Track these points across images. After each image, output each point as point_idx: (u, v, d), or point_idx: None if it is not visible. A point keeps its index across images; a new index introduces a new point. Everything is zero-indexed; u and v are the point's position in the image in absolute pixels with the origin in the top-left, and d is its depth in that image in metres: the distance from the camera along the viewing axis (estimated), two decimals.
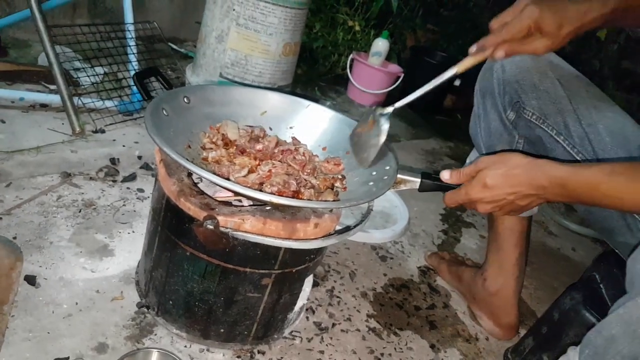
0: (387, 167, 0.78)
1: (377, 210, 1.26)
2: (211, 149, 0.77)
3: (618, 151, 0.74)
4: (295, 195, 0.71)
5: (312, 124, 0.92)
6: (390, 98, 2.07)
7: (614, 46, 2.19)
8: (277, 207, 0.67)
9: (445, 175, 0.73)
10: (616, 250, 0.80)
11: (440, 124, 2.09)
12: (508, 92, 0.83)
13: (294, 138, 0.88)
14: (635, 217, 0.73)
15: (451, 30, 2.30)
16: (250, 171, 0.73)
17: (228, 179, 0.68)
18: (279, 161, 0.77)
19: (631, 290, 0.52)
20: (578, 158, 0.77)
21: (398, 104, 0.74)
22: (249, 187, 0.63)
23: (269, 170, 0.72)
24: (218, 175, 0.65)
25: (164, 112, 0.74)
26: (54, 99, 1.23)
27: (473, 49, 0.71)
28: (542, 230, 1.46)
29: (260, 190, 0.68)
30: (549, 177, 0.61)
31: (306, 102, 0.93)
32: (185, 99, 0.80)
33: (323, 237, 0.69)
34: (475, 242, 1.30)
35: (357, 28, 2.00)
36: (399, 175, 0.75)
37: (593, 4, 0.66)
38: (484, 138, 0.90)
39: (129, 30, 1.37)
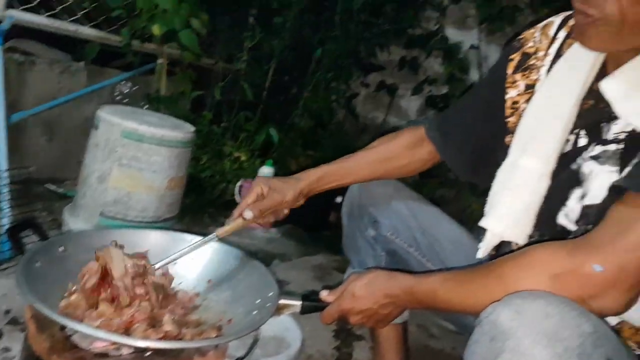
0: (270, 294, 0.82)
1: (269, 336, 1.26)
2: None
3: (459, 257, 0.89)
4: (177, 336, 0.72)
5: (196, 257, 0.95)
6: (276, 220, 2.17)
7: None
8: (158, 352, 0.67)
9: (324, 294, 0.80)
10: None
11: (327, 240, 2.22)
12: (366, 214, 0.98)
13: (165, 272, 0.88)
14: None
15: (329, 155, 2.55)
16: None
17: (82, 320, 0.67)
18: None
19: None
20: (428, 265, 0.91)
21: (159, 264, 0.86)
22: (123, 334, 0.63)
23: (132, 315, 0.71)
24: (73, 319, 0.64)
25: (38, 264, 0.73)
26: None
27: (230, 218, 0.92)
28: (425, 333, 1.56)
29: (128, 335, 0.67)
30: (401, 286, 0.72)
31: (191, 237, 0.97)
32: (61, 249, 0.80)
33: None
34: (367, 355, 1.34)
35: (243, 158, 2.14)
36: (280, 301, 0.80)
37: (289, 188, 0.94)
38: (355, 255, 1.02)
39: (2, 177, 1.34)
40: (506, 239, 0.76)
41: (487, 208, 0.78)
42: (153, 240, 0.94)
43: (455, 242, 0.93)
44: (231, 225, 0.90)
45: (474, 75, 2.63)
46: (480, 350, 0.57)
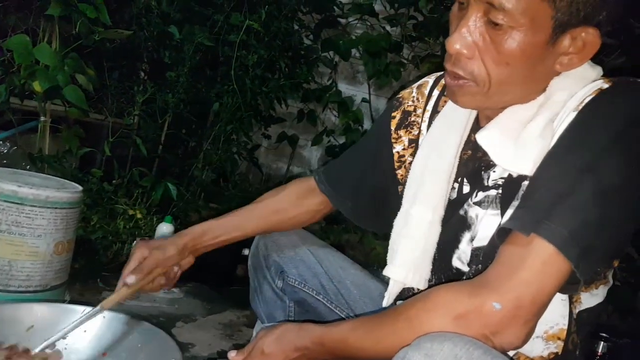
0: None
1: None
2: None
3: (365, 300, 0.92)
4: None
5: (88, 329, 0.88)
6: (180, 278, 2.06)
7: None
8: None
9: (232, 355, 0.77)
10: None
11: (235, 294, 2.15)
12: (273, 264, 0.98)
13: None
14: None
15: (233, 207, 2.52)
16: None
17: None
18: None
19: None
20: (336, 312, 0.93)
21: (42, 345, 0.81)
22: None
23: None
24: None
25: None
26: None
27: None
28: None
29: None
30: (310, 337, 0.72)
31: (80, 308, 0.90)
32: None
33: None
34: None
35: (139, 216, 2.03)
36: None
37: (170, 244, 0.90)
38: (263, 308, 1.01)
39: None
40: (408, 285, 0.80)
41: (389, 257, 0.82)
42: (39, 314, 0.86)
43: (360, 286, 0.96)
44: (116, 294, 0.84)
45: (367, 126, 2.82)
46: None
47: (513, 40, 0.64)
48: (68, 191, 1.43)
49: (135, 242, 2.00)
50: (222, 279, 2.25)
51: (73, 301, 1.60)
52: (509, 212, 0.67)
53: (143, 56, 2.15)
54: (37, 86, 1.65)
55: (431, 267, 0.78)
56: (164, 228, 2.04)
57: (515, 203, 0.67)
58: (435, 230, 0.78)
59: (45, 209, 1.36)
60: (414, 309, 0.65)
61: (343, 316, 0.94)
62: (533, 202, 0.64)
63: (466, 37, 0.66)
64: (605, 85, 0.67)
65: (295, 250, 0.98)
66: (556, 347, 0.71)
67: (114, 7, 1.89)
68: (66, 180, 1.57)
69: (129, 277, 0.84)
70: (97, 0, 1.68)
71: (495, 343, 0.60)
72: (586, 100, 0.66)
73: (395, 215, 0.84)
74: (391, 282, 0.81)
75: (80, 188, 1.51)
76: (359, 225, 1.02)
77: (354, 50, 2.63)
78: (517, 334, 0.61)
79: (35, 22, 1.79)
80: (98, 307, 0.83)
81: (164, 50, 2.11)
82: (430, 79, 0.90)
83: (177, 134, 2.37)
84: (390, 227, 0.85)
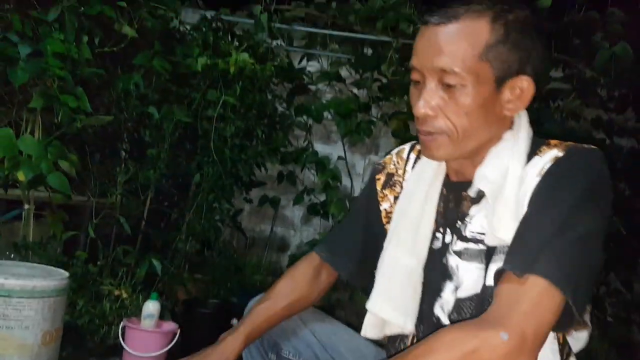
0: None
1: None
2: None
3: None
4: None
5: None
6: (170, 356, 2.02)
7: None
8: None
9: None
10: None
11: None
12: (265, 337, 1.00)
13: None
14: None
15: (218, 276, 2.52)
16: None
17: None
18: None
19: None
20: None
21: None
22: None
23: None
24: None
25: None
26: None
27: None
28: None
29: None
30: None
31: None
32: None
33: None
34: None
35: (125, 295, 2.02)
36: None
37: (228, 345, 0.95)
38: None
39: None
40: (386, 318, 0.86)
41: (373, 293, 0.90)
42: None
43: (354, 350, 1.00)
44: None
45: (345, 182, 2.90)
46: None
47: (466, 95, 0.79)
48: (55, 279, 1.43)
49: (122, 323, 1.96)
50: None
51: None
52: (493, 267, 0.76)
53: (124, 136, 2.22)
54: (21, 176, 1.68)
55: (416, 308, 0.85)
56: (150, 306, 2.01)
57: (501, 256, 0.76)
58: (413, 271, 0.86)
59: (33, 299, 1.35)
60: (420, 349, 0.69)
61: None
62: (522, 249, 0.73)
63: (429, 100, 0.80)
64: (560, 154, 0.79)
65: (286, 321, 1.01)
66: None
67: (93, 93, 1.96)
68: (52, 268, 1.57)
69: None
70: (77, 90, 1.75)
71: None
72: (546, 167, 0.78)
73: None
74: (368, 315, 0.89)
75: (67, 274, 1.51)
76: (362, 288, 1.07)
77: (325, 113, 2.76)
78: None
79: (17, 114, 1.84)
80: None
81: (144, 129, 2.18)
82: (406, 146, 1.03)
83: (159, 208, 2.40)
84: None
